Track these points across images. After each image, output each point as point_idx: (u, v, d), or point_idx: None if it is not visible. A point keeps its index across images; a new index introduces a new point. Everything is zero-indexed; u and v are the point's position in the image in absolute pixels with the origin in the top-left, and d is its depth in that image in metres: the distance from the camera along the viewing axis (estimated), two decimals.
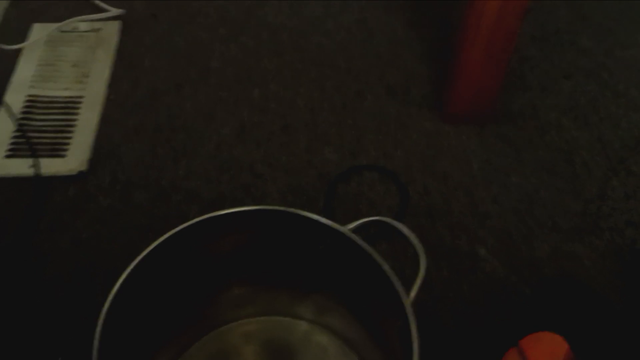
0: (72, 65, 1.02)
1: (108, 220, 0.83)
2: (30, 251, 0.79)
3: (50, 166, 0.87)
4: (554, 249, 0.82)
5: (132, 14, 1.10)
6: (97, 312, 0.53)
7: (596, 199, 0.87)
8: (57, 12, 1.09)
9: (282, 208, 0.61)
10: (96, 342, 0.52)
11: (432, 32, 1.09)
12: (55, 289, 0.76)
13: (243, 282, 0.67)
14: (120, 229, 0.82)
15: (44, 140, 0.90)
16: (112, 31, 1.07)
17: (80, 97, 0.97)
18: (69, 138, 0.91)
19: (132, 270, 0.56)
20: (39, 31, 1.06)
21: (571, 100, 1.00)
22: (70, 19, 1.07)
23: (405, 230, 0.63)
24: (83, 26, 1.08)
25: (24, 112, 0.94)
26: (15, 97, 0.96)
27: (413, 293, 0.58)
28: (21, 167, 0.87)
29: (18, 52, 1.03)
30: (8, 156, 0.88)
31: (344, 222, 0.61)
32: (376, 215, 0.66)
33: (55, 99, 0.96)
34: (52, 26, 1.06)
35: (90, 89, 0.98)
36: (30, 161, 0.87)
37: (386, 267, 0.57)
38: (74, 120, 0.94)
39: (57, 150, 0.89)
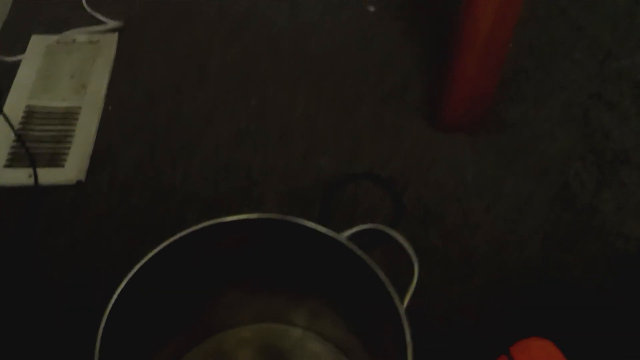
0: (71, 76, 1.03)
1: (106, 224, 0.84)
2: (29, 256, 0.80)
3: (49, 176, 0.88)
4: (545, 257, 0.83)
5: (130, 23, 1.11)
6: (95, 318, 0.53)
7: (587, 210, 0.88)
8: (55, 24, 1.10)
9: (279, 217, 0.62)
10: (97, 349, 0.52)
11: (427, 41, 1.11)
12: (54, 294, 0.76)
13: (238, 288, 0.68)
14: (118, 233, 0.83)
15: (43, 151, 0.91)
16: (110, 43, 1.08)
17: (79, 107, 0.98)
18: (67, 148, 0.92)
19: (131, 278, 0.57)
20: (38, 42, 1.07)
21: (565, 111, 1.01)
22: (69, 31, 1.08)
23: (399, 238, 0.64)
24: (81, 38, 1.09)
25: (22, 123, 0.95)
26: (14, 108, 0.97)
27: (407, 300, 0.59)
28: (20, 176, 0.88)
29: (17, 63, 1.04)
30: (7, 166, 0.89)
31: (340, 229, 0.62)
32: (371, 223, 0.67)
33: (53, 110, 0.97)
34: (51, 38, 1.07)
35: (88, 99, 0.99)
36: (29, 171, 0.88)
37: (381, 274, 0.57)
38: (72, 130, 0.94)
39: (55, 160, 0.90)
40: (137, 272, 0.57)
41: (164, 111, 0.99)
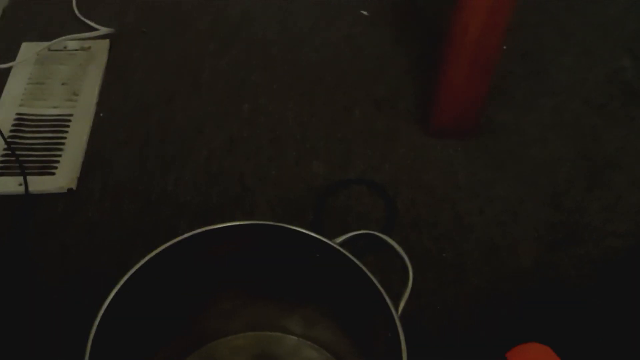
0: (62, 84, 1.02)
1: (97, 232, 0.83)
2: (19, 264, 0.79)
3: (40, 184, 0.87)
4: (537, 259, 0.83)
5: (122, 30, 1.11)
6: (85, 326, 0.53)
7: (578, 211, 0.89)
8: (46, 31, 1.10)
9: (272, 223, 0.61)
10: (87, 357, 0.52)
11: (418, 47, 1.11)
12: (45, 302, 0.76)
13: (232, 296, 0.68)
14: (109, 241, 0.82)
15: (34, 158, 0.91)
16: (101, 49, 1.08)
17: (70, 115, 0.97)
18: (59, 156, 0.91)
19: (122, 286, 0.56)
20: (29, 50, 1.07)
21: (555, 115, 1.02)
22: (60, 38, 1.08)
23: (393, 243, 0.64)
24: (72, 45, 1.09)
25: (13, 130, 0.94)
26: (5, 116, 0.96)
27: (401, 305, 0.59)
28: (10, 185, 0.87)
29: (7, 70, 1.03)
30: None
31: (333, 235, 0.61)
32: (364, 228, 0.67)
33: (44, 117, 0.97)
34: (42, 45, 1.07)
35: (79, 106, 0.99)
36: (19, 179, 0.87)
37: (375, 280, 0.57)
38: (64, 138, 0.94)
39: (46, 168, 0.90)
40: (128, 280, 0.57)
41: (155, 118, 0.98)
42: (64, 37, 1.08)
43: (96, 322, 0.54)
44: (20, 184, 0.87)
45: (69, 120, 0.97)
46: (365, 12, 1.16)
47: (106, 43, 1.09)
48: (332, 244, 0.60)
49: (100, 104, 1.00)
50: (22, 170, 0.88)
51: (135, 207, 0.87)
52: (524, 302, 0.78)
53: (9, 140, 0.92)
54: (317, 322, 0.69)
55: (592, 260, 0.83)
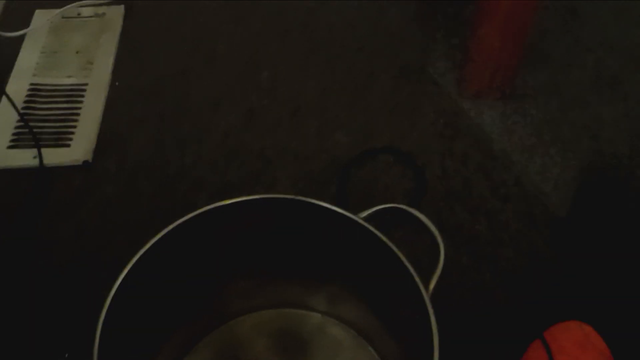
0: (76, 52, 0.99)
1: (113, 209, 0.81)
2: (35, 241, 0.78)
3: (55, 156, 0.85)
4: (582, 231, 0.78)
5: None
6: (102, 303, 0.51)
7: (624, 177, 0.83)
8: None
9: (292, 196, 0.58)
10: (98, 333, 0.50)
11: (448, 6, 1.04)
12: (60, 278, 0.74)
13: (253, 272, 0.65)
14: (125, 218, 0.80)
15: (48, 130, 0.88)
16: (116, 16, 1.04)
17: (85, 84, 0.94)
18: (74, 127, 0.88)
19: (138, 260, 0.54)
20: (42, 17, 1.03)
21: (595, 74, 0.95)
22: (73, 4, 1.04)
23: (422, 217, 0.60)
24: (86, 11, 1.05)
25: (26, 102, 0.92)
26: (18, 86, 0.93)
27: (432, 284, 0.55)
28: (25, 157, 0.85)
29: (20, 39, 1.00)
30: (11, 147, 0.86)
31: (358, 209, 0.58)
32: (392, 202, 0.63)
33: (58, 87, 0.94)
34: (55, 12, 1.04)
35: (94, 76, 0.96)
36: (34, 151, 0.85)
37: (403, 256, 0.54)
38: (79, 108, 0.91)
39: (61, 139, 0.87)
40: (143, 254, 0.54)
41: (171, 90, 0.95)
42: (76, 3, 1.04)
43: (109, 299, 0.52)
44: (35, 157, 0.84)
45: (84, 90, 0.93)
46: None
47: (120, 9, 1.05)
48: (356, 218, 0.56)
49: (115, 73, 0.96)
50: (37, 142, 0.85)
51: (152, 182, 0.84)
52: (564, 278, 0.74)
53: (22, 111, 0.89)
54: (342, 299, 0.67)
55: None
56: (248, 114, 0.92)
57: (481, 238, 0.78)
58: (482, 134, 0.88)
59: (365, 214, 0.59)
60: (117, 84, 0.95)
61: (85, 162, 0.85)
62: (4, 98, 0.90)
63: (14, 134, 0.87)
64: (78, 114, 0.90)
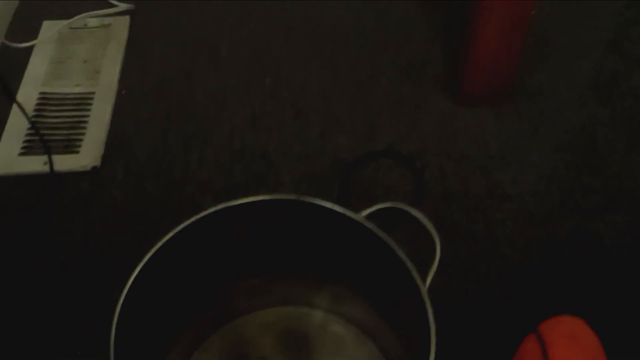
0: (83, 62, 1.02)
1: (121, 212, 0.83)
2: (44, 244, 0.80)
3: (64, 163, 0.87)
4: (574, 229, 0.79)
5: (141, 5, 1.09)
6: (112, 304, 0.53)
7: (617, 177, 0.84)
8: (66, 8, 1.09)
9: (296, 197, 0.60)
10: (112, 333, 0.52)
11: (447, 8, 1.06)
12: (70, 281, 0.76)
13: (258, 272, 0.67)
14: (133, 221, 0.82)
15: (58, 137, 0.91)
16: (121, 26, 1.07)
17: (92, 92, 0.97)
18: (82, 134, 0.91)
19: (147, 261, 0.56)
20: (49, 28, 1.06)
21: (592, 74, 0.96)
22: (80, 15, 1.07)
23: (420, 216, 0.62)
24: (93, 22, 1.08)
25: (36, 110, 0.94)
26: (28, 95, 0.96)
27: (429, 280, 0.57)
28: (36, 164, 0.87)
29: (29, 49, 1.03)
30: (22, 154, 0.89)
31: (360, 209, 0.60)
32: (392, 201, 0.65)
33: (67, 96, 0.96)
34: (62, 23, 1.06)
35: (101, 84, 0.98)
36: (44, 158, 0.87)
37: (402, 254, 0.55)
38: (87, 116, 0.94)
39: (70, 146, 0.89)
40: (153, 256, 0.56)
41: (176, 95, 0.97)
42: (84, 14, 1.07)
43: (121, 300, 0.54)
44: (46, 163, 0.87)
45: (91, 99, 0.96)
46: None
47: (126, 19, 1.08)
48: (358, 218, 0.58)
49: (121, 81, 0.99)
50: (47, 149, 0.88)
51: (159, 185, 0.86)
52: (557, 273, 0.75)
53: (33, 119, 0.92)
54: (344, 297, 0.68)
55: (632, 229, 0.79)
56: (251, 115, 0.93)
57: (478, 236, 0.79)
58: (480, 135, 0.90)
59: (366, 212, 0.60)
60: (123, 92, 0.97)
61: (94, 167, 0.87)
62: (14, 106, 0.93)
63: (25, 142, 0.90)
64: (86, 122, 0.93)
